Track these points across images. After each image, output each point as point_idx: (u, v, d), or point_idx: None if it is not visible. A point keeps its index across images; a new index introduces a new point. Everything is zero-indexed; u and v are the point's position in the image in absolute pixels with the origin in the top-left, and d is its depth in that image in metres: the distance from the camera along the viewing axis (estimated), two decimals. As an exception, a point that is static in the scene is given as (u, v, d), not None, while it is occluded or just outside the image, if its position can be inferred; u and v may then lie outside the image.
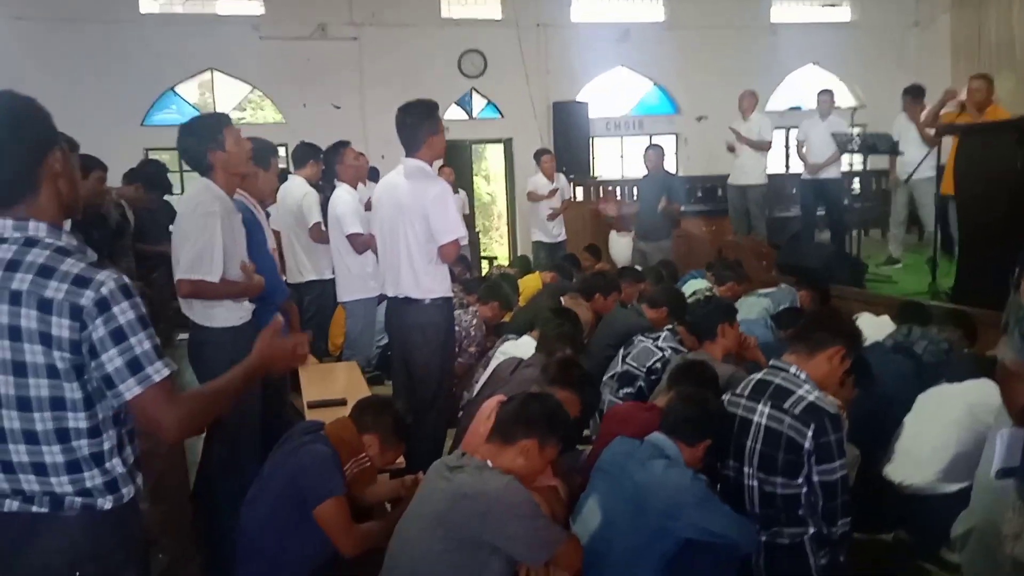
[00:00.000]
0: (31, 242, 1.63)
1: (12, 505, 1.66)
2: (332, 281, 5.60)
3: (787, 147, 12.63)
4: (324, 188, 5.81)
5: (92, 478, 1.67)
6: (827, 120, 8.27)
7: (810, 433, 2.60)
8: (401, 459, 3.17)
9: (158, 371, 1.64)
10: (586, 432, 4.12)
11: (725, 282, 5.84)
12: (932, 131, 7.05)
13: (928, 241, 6.80)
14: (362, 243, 5.18)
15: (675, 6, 12.68)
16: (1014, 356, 1.64)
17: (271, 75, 11.22)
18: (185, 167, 9.92)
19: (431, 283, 3.89)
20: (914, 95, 7.66)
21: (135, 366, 1.62)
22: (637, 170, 9.53)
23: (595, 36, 12.20)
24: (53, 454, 1.64)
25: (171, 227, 6.69)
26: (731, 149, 8.61)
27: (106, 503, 1.69)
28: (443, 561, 2.25)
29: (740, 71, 11.72)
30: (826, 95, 8.49)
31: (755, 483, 2.72)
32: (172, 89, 11.08)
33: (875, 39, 13.00)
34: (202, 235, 3.05)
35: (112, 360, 1.60)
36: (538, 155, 9.05)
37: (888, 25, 13.12)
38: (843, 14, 13.67)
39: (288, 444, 2.72)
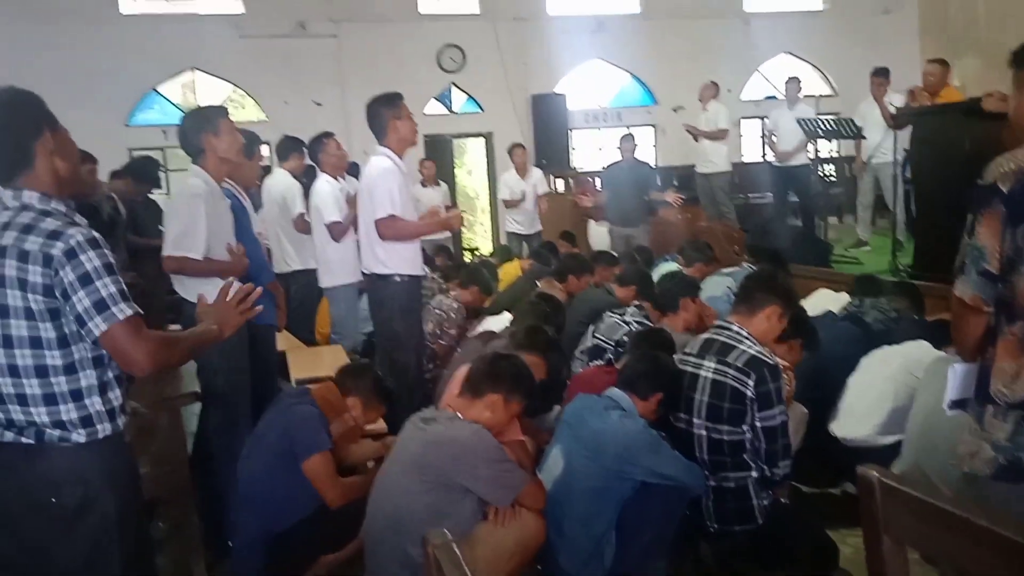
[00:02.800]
0: (24, 207, 1.94)
1: (7, 436, 1.94)
2: (316, 270, 5.81)
3: (763, 135, 12.92)
4: (306, 179, 6.02)
5: (67, 412, 1.92)
6: (795, 108, 8.52)
7: (751, 382, 2.87)
8: (383, 423, 3.42)
9: (122, 311, 1.89)
10: (558, 407, 4.37)
11: (693, 263, 6.10)
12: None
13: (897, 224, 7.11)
14: (340, 231, 5.39)
15: (651, -3, 12.94)
16: (972, 293, 1.86)
17: (252, 73, 11.37)
18: (171, 165, 10.12)
19: (389, 259, 4.12)
20: (880, 76, 7.90)
21: (101, 305, 1.87)
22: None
23: (571, 28, 12.40)
24: (32, 387, 1.91)
25: (159, 225, 6.98)
26: (696, 138, 8.90)
27: (80, 436, 1.94)
28: (420, 501, 2.50)
29: (714, 61, 12.02)
30: (793, 83, 8.75)
31: (703, 432, 2.98)
32: (155, 89, 11.23)
33: (846, 26, 13.26)
34: (187, 214, 3.28)
35: (81, 301, 1.86)
36: (510, 150, 9.21)
37: (858, 12, 13.38)
38: (815, 3, 13.94)
39: (279, 405, 2.98)
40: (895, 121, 6.74)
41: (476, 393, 2.67)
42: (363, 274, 4.36)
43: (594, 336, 4.45)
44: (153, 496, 3.06)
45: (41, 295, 1.86)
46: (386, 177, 4.07)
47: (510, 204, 8.91)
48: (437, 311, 5.39)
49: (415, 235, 4.26)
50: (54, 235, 1.87)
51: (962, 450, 1.93)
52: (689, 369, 3.05)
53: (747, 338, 2.97)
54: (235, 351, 3.46)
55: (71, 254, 1.85)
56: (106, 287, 1.88)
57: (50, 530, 1.93)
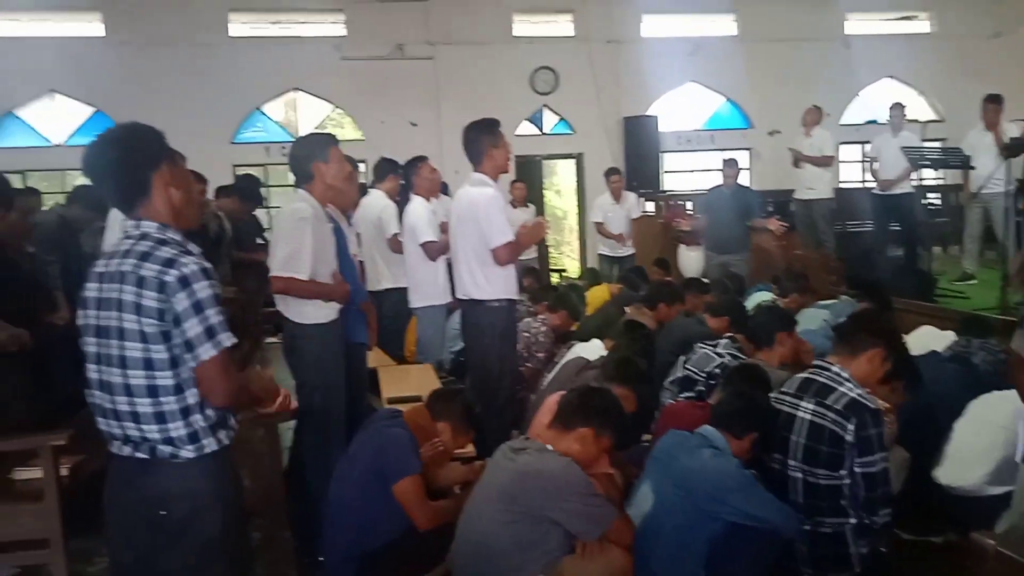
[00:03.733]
0: (143, 236, 2.06)
1: (124, 449, 2.08)
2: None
3: (862, 161, 12.54)
4: (401, 200, 6.15)
5: (176, 429, 2.03)
6: (899, 135, 8.23)
7: (852, 427, 2.78)
8: (471, 447, 3.45)
9: (228, 339, 2.03)
10: (647, 437, 4.32)
11: (789, 294, 5.96)
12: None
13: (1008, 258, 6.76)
14: (436, 250, 5.48)
15: (747, 20, 12.75)
16: None
17: (351, 94, 11.71)
18: (272, 181, 10.51)
19: (488, 284, 4.17)
20: (993, 102, 7.55)
21: (210, 332, 2.00)
22: (708, 185, 9.63)
23: (666, 51, 12.35)
24: (144, 405, 2.02)
25: (258, 239, 7.25)
26: (796, 164, 8.67)
27: (188, 452, 2.05)
28: (507, 532, 2.51)
29: (814, 85, 11.77)
30: (897, 109, 8.45)
31: (799, 475, 2.90)
32: (259, 108, 11.67)
33: (954, 51, 12.80)
34: (294, 237, 3.41)
35: (193, 327, 1.98)
36: (607, 174, 9.22)
37: (967, 36, 12.90)
38: (921, 26, 13.51)
39: (372, 427, 3.05)
40: (1008, 151, 6.44)
41: (567, 426, 2.67)
42: (459, 300, 4.42)
43: (685, 367, 4.38)
44: (249, 508, 3.16)
45: (155, 319, 1.97)
46: (496, 204, 4.13)
47: (603, 231, 8.89)
48: (525, 334, 5.42)
49: (520, 253, 4.32)
50: (169, 263, 1.99)
51: (1020, 508, 1.84)
52: (785, 409, 2.97)
53: (848, 380, 2.88)
54: (333, 369, 3.57)
55: (184, 282, 1.97)
56: (215, 316, 2.01)
57: (159, 541, 2.04)
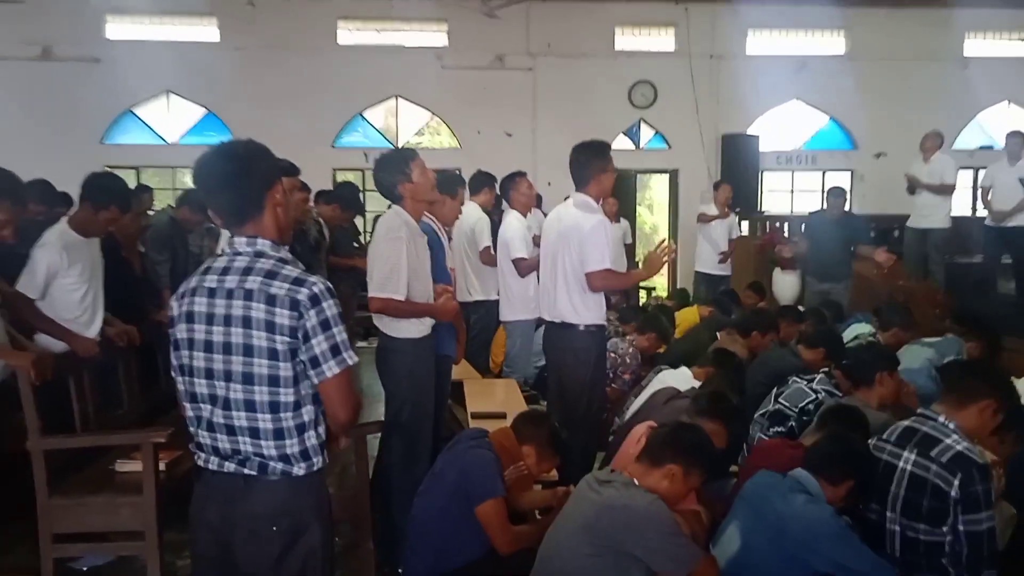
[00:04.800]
0: (259, 254, 2.07)
1: (230, 467, 2.07)
2: (497, 302, 5.96)
3: (974, 188, 11.95)
4: (494, 213, 6.18)
5: (292, 446, 2.04)
6: (1016, 164, 7.82)
7: (957, 482, 2.63)
8: (554, 472, 3.43)
9: (351, 357, 2.04)
10: (733, 468, 4.21)
11: (890, 328, 5.69)
12: None
13: None
14: (526, 267, 5.50)
15: (857, 38, 12.35)
16: None
17: (450, 103, 11.87)
18: (369, 187, 10.76)
19: (585, 309, 4.12)
20: None
21: (336, 350, 2.01)
22: (808, 206, 9.34)
23: (770, 68, 12.07)
24: (265, 422, 2.03)
25: (354, 243, 7.40)
26: (911, 191, 8.31)
27: (300, 470, 2.06)
28: (588, 565, 2.48)
29: (925, 106, 11.31)
30: (1016, 137, 8.01)
31: (897, 528, 2.76)
32: (360, 114, 11.96)
33: (1079, 75, 12.11)
34: (390, 257, 3.46)
35: (320, 344, 2.00)
36: (717, 185, 9.10)
37: (1097, 58, 12.19)
38: (1046, 48, 12.83)
39: (458, 446, 3.06)
40: None
41: (655, 461, 2.62)
42: (546, 321, 4.39)
43: (777, 400, 4.25)
44: (334, 516, 3.22)
45: (288, 336, 1.99)
46: (602, 231, 4.09)
47: (704, 218, 8.77)
48: (612, 354, 5.36)
49: (624, 286, 4.26)
50: (298, 282, 2.01)
51: None
52: (885, 457, 2.84)
53: (954, 431, 2.73)
54: (424, 384, 3.62)
55: (315, 300, 2.00)
56: (340, 334, 2.02)
57: (264, 557, 2.06)
